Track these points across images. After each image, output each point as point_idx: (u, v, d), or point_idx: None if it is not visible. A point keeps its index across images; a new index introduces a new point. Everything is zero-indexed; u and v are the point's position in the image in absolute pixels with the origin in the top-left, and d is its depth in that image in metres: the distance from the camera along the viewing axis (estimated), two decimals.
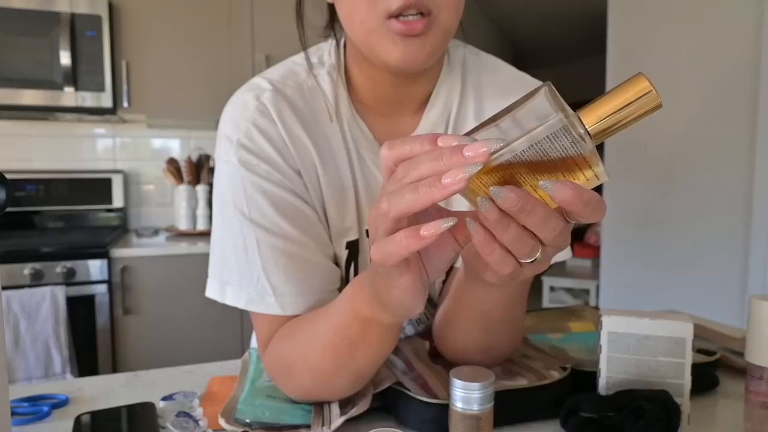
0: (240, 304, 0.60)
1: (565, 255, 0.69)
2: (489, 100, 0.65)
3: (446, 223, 0.34)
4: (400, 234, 0.35)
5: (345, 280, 0.65)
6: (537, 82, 0.67)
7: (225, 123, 0.61)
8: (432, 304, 0.71)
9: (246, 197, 0.58)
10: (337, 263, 0.64)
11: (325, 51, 0.65)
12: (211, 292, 0.62)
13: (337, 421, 0.54)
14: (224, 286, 0.61)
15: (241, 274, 0.59)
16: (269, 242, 0.58)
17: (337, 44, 0.64)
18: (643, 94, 0.32)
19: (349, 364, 0.53)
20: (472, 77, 0.66)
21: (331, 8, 0.62)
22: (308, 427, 0.54)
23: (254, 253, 0.58)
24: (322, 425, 0.54)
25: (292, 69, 0.64)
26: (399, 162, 0.36)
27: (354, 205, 0.63)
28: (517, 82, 0.66)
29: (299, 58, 0.65)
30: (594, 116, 0.33)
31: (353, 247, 0.64)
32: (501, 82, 0.66)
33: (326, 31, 0.66)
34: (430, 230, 0.34)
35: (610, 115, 0.33)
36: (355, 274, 0.64)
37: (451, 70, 0.65)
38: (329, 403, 0.59)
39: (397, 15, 0.50)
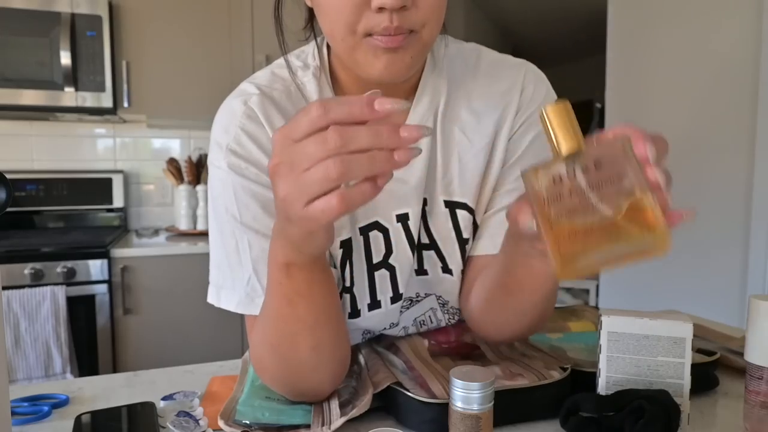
0: (231, 307, 0.60)
1: None
2: (475, 87, 0.66)
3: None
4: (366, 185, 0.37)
5: (342, 281, 0.65)
6: (519, 62, 0.68)
7: (215, 129, 0.62)
8: (446, 308, 0.71)
9: (237, 201, 0.59)
10: (334, 264, 0.64)
11: (309, 54, 0.65)
12: (210, 297, 0.63)
13: (337, 421, 0.54)
14: (219, 291, 0.62)
15: (234, 277, 0.60)
16: (260, 245, 0.58)
17: (320, 46, 0.65)
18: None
19: (298, 325, 0.52)
20: (458, 67, 0.66)
21: (311, 10, 0.62)
22: (308, 427, 0.54)
23: (246, 256, 0.59)
24: (322, 425, 0.54)
25: (278, 72, 0.64)
26: (332, 123, 0.36)
27: None
28: (500, 65, 0.67)
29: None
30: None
31: (347, 246, 0.64)
32: (485, 68, 0.67)
33: (306, 33, 0.66)
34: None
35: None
36: (351, 273, 0.64)
37: (435, 63, 0.65)
38: (329, 403, 0.59)
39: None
